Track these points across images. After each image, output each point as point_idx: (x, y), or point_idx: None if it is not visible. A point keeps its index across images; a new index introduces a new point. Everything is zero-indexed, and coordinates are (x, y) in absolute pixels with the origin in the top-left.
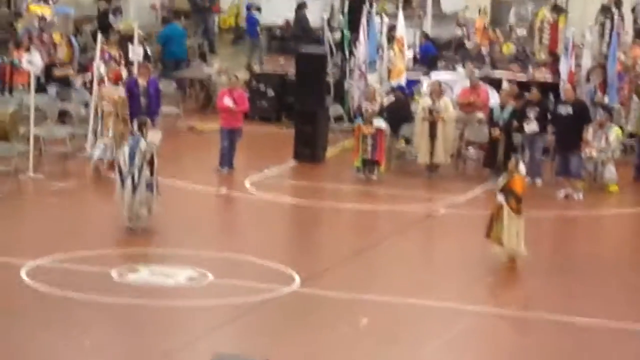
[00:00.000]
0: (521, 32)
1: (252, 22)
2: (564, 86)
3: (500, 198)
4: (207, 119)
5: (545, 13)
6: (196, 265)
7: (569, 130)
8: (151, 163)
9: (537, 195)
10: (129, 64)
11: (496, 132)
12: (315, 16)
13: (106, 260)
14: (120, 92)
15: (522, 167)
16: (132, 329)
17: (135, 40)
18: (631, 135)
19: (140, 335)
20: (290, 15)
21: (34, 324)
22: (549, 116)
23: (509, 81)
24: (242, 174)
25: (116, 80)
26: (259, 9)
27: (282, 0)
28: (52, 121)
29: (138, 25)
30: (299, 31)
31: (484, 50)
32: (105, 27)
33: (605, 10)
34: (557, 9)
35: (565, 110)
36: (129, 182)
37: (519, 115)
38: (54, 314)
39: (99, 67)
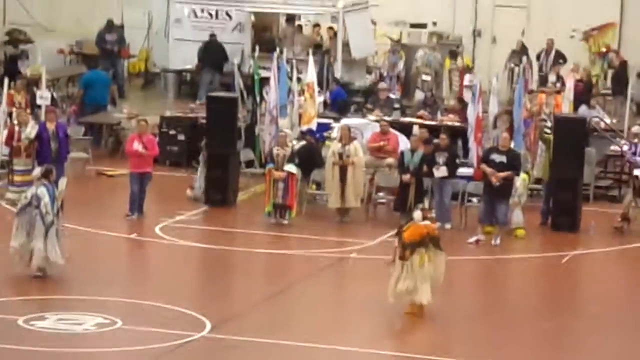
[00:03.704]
0: (426, 77)
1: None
2: (502, 134)
3: (395, 242)
4: (116, 164)
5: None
6: (105, 312)
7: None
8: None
9: (447, 240)
10: (35, 108)
11: (407, 176)
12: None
13: (13, 307)
14: None
15: (416, 214)
16: None
17: (43, 84)
18: (538, 181)
19: None
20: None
21: None
22: (457, 161)
23: (420, 126)
24: (152, 219)
25: None
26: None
27: (187, 46)
28: None
29: (46, 69)
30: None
31: (394, 96)
32: (12, 72)
33: (514, 56)
34: (453, 54)
35: (499, 158)
36: (53, 230)
37: (429, 160)
38: None
39: (5, 111)
